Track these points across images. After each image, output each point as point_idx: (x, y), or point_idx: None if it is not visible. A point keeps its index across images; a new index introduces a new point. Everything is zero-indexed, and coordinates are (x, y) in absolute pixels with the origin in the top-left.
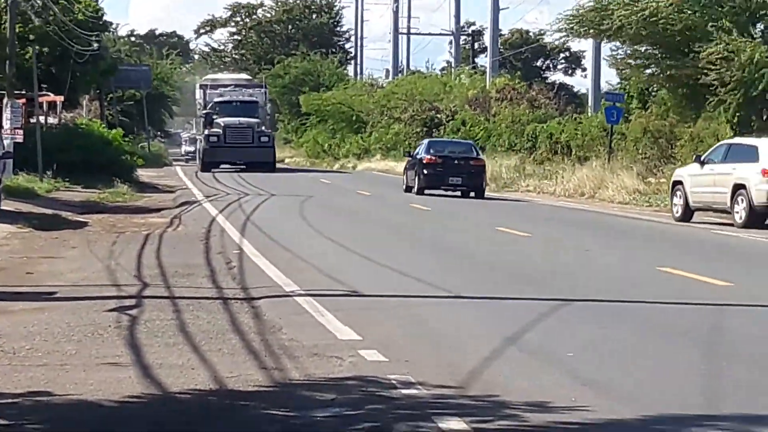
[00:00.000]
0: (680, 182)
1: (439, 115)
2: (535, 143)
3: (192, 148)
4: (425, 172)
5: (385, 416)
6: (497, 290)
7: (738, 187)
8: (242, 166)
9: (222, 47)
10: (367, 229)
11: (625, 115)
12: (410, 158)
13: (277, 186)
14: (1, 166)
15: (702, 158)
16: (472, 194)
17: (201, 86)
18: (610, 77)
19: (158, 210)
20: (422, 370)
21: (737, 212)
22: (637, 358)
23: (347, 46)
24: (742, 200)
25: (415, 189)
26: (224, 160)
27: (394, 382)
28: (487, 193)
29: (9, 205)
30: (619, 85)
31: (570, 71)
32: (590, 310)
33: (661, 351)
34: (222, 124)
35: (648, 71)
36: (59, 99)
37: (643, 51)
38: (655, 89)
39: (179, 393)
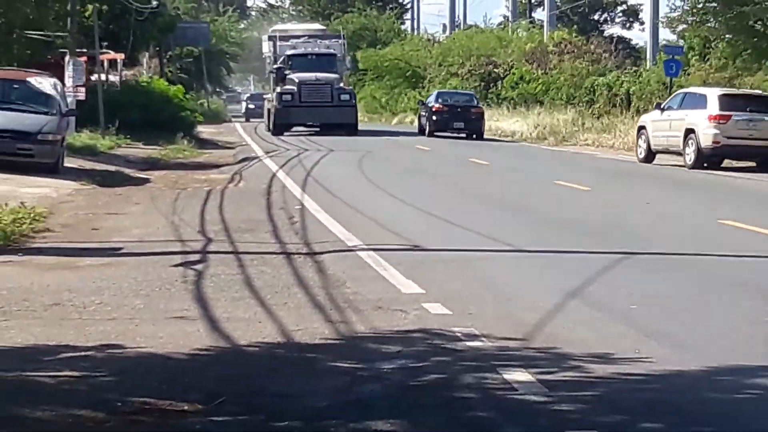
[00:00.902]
0: (644, 127)
1: (496, 70)
2: (594, 97)
3: (253, 105)
4: (434, 118)
5: (450, 368)
6: (558, 244)
7: (689, 132)
8: (318, 129)
9: (279, 3)
10: (427, 184)
11: (684, 68)
12: (423, 106)
13: (336, 142)
14: (64, 123)
15: (662, 105)
16: (474, 136)
17: (270, 38)
18: (667, 32)
19: (219, 166)
20: (486, 322)
21: (687, 154)
22: (701, 309)
23: (404, 0)
24: (692, 143)
25: (427, 132)
26: (299, 121)
27: (458, 334)
28: (548, 147)
29: (72, 162)
30: (677, 39)
31: (628, 24)
32: (652, 262)
33: (723, 302)
34: (296, 81)
35: (708, 25)
36: (120, 57)
37: (699, 6)
38: (714, 42)
39: (247, 346)
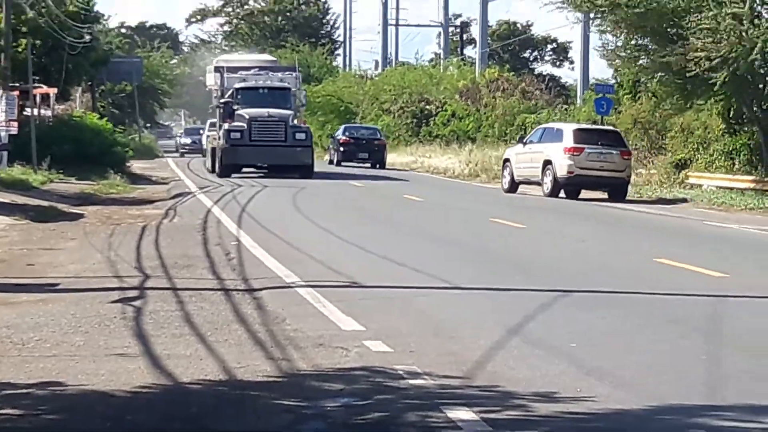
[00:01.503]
0: (508, 160)
1: (428, 107)
2: (526, 134)
3: (189, 140)
4: (341, 149)
5: (393, 406)
6: (496, 281)
7: (547, 163)
8: (267, 170)
9: (212, 38)
10: (363, 221)
11: (615, 106)
12: (332, 139)
13: (272, 178)
14: None
15: (524, 140)
16: (377, 165)
17: (216, 69)
18: (597, 70)
19: (152, 201)
20: (427, 360)
21: (545, 183)
22: (638, 347)
23: (336, 36)
24: (549, 173)
25: (335, 162)
26: (249, 162)
27: (400, 372)
28: (479, 184)
29: (5, 197)
30: (608, 78)
31: (558, 63)
32: (589, 300)
33: (661, 340)
34: (246, 117)
35: (639, 62)
36: (52, 91)
37: (633, 42)
38: (645, 80)
39: (189, 383)
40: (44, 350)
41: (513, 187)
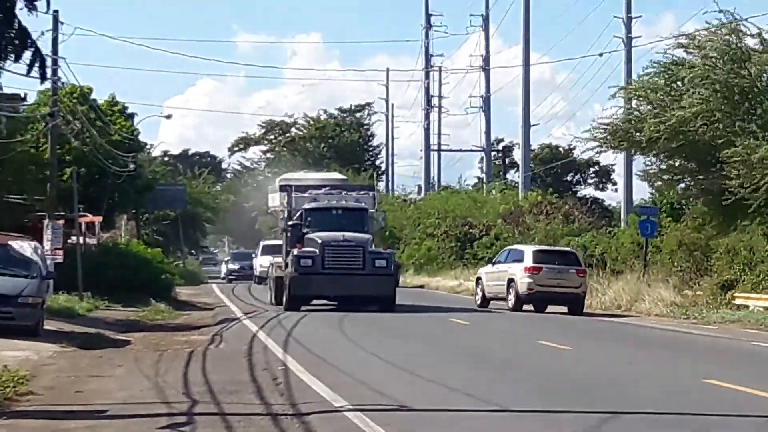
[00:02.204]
0: (480, 278)
1: (472, 230)
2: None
3: (237, 266)
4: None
5: None
6: (543, 403)
7: (510, 281)
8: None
9: (255, 165)
10: (409, 343)
11: (659, 229)
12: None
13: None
14: (44, 286)
15: (493, 260)
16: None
17: (282, 188)
18: (641, 192)
19: (198, 327)
20: None
21: (510, 299)
22: None
23: (378, 162)
24: (512, 290)
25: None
26: (321, 293)
27: None
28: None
29: (51, 325)
30: (650, 199)
31: (600, 185)
32: (641, 421)
33: None
34: (319, 241)
35: (681, 185)
36: (97, 219)
37: (676, 165)
38: (688, 202)
39: None
40: None
41: (485, 302)
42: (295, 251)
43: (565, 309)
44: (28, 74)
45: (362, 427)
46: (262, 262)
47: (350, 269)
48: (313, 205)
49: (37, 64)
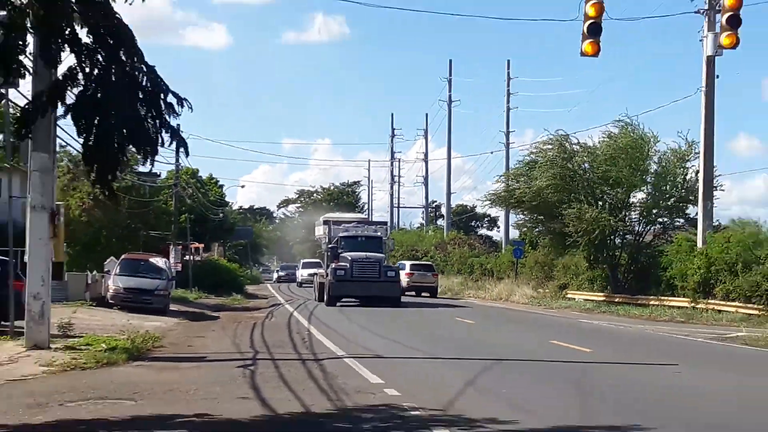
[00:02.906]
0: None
1: (417, 254)
2: (473, 269)
3: (284, 273)
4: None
5: (403, 427)
6: (457, 353)
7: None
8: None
9: (292, 215)
10: (388, 323)
11: (526, 247)
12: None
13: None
14: (170, 284)
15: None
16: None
17: (324, 222)
18: (514, 232)
19: (259, 309)
20: (421, 400)
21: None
22: (536, 395)
23: (363, 215)
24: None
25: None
26: (350, 294)
27: (405, 407)
28: (446, 298)
29: (173, 307)
30: (519, 236)
31: (491, 228)
32: (511, 365)
33: (553, 391)
34: (349, 258)
35: (536, 229)
36: (200, 246)
37: (534, 217)
38: (541, 238)
39: (284, 414)
40: (198, 395)
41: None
42: (333, 265)
43: (428, 294)
44: (177, 161)
45: (352, 366)
46: (302, 273)
47: (370, 277)
48: (345, 234)
49: (182, 151)
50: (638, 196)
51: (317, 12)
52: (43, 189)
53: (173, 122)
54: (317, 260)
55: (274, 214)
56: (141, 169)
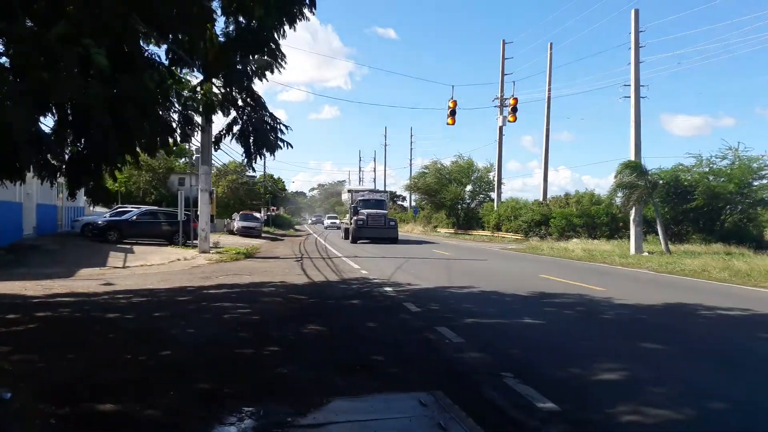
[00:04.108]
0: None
1: None
2: (396, 223)
3: (315, 219)
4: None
5: (368, 287)
6: (443, 275)
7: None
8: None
9: (315, 195)
10: (383, 251)
11: (420, 210)
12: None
13: (331, 231)
14: (261, 225)
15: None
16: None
17: (348, 191)
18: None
19: (301, 236)
20: (377, 275)
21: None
22: (427, 273)
23: None
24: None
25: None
26: (366, 236)
27: (370, 278)
28: None
29: (264, 235)
30: (416, 204)
31: (403, 200)
32: (416, 261)
33: (435, 271)
34: (365, 214)
35: (423, 201)
36: (274, 208)
37: (423, 196)
38: (426, 205)
39: (318, 281)
40: (273, 274)
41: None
42: (355, 218)
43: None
44: (264, 164)
45: (346, 261)
46: (327, 222)
47: (379, 225)
48: (362, 197)
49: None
50: (468, 188)
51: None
52: (206, 182)
53: (285, 137)
54: (336, 215)
55: (306, 194)
56: (250, 173)
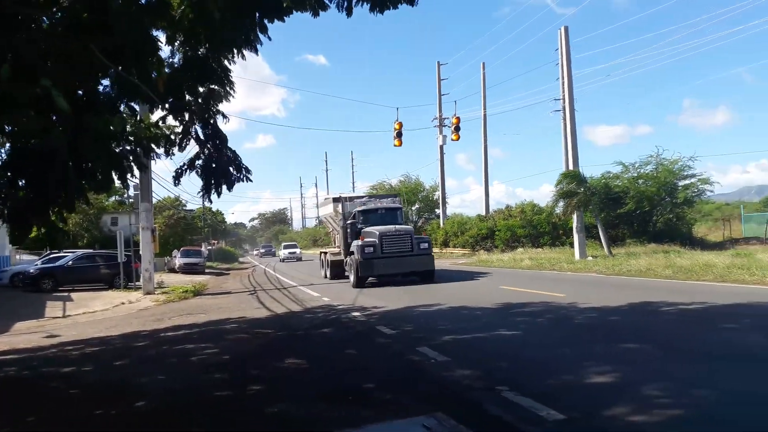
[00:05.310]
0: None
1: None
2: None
3: (264, 250)
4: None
5: (333, 314)
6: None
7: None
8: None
9: (255, 225)
10: (310, 267)
11: None
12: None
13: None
14: (205, 260)
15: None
16: None
17: (335, 200)
18: None
19: (247, 269)
20: (342, 302)
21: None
22: (391, 297)
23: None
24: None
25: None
26: (383, 272)
27: (334, 304)
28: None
29: (208, 271)
30: None
31: None
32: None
33: (397, 294)
34: (377, 233)
35: None
36: (215, 241)
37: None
38: None
39: (280, 313)
40: (231, 309)
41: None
42: (359, 242)
43: None
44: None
45: (302, 289)
46: (283, 252)
47: (402, 252)
48: (363, 207)
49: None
50: (415, 206)
51: None
52: (147, 219)
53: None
54: (294, 242)
55: (246, 225)
56: (188, 207)
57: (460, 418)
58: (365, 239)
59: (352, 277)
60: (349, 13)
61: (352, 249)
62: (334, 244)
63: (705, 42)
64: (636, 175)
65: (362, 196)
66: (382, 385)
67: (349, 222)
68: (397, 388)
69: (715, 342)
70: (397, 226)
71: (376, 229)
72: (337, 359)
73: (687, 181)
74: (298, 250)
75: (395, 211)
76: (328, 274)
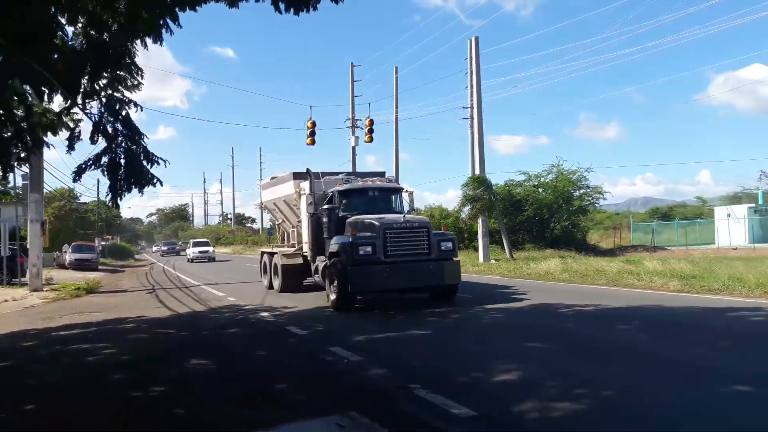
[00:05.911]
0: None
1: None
2: (248, 242)
3: (166, 248)
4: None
5: (241, 314)
6: (258, 277)
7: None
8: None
9: (153, 219)
10: (212, 268)
11: (274, 231)
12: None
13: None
14: (98, 256)
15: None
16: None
17: (296, 177)
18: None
19: (145, 266)
20: (248, 301)
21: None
22: (303, 298)
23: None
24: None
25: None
26: (385, 285)
27: (241, 304)
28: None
29: (101, 267)
30: (270, 224)
31: (253, 222)
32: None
33: (310, 298)
34: (376, 224)
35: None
36: (110, 236)
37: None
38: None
39: (182, 313)
40: (130, 308)
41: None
42: (346, 238)
43: None
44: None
45: (205, 288)
46: (193, 250)
47: (415, 255)
48: (348, 186)
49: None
50: None
51: None
52: (37, 211)
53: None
54: (206, 239)
55: (144, 220)
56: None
57: (375, 417)
58: (358, 233)
59: (330, 293)
60: (277, 9)
61: (333, 248)
62: (288, 241)
63: (599, 60)
64: (536, 183)
65: (338, 173)
66: (294, 385)
67: (324, 208)
68: (311, 388)
69: (610, 341)
70: (406, 216)
71: (373, 219)
72: (246, 360)
73: (582, 191)
74: (210, 249)
75: (393, 194)
76: (276, 284)
